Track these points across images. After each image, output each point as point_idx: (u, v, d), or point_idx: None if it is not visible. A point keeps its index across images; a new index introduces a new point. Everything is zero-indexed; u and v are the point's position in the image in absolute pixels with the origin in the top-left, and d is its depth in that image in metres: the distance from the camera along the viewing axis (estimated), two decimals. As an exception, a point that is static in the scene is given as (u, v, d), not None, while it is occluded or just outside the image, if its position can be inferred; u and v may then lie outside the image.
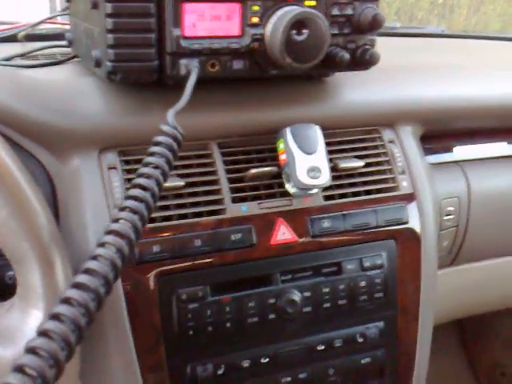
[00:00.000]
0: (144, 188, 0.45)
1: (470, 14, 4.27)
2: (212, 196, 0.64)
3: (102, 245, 0.41)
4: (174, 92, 0.55)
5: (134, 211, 0.43)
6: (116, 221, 0.42)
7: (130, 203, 0.44)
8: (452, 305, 0.91)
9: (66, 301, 0.36)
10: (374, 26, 0.62)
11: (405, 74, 0.78)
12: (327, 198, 0.69)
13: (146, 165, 0.46)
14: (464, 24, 4.24)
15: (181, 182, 0.62)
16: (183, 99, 0.53)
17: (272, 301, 0.65)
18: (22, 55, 0.76)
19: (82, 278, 0.38)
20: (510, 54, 1.14)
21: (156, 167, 0.46)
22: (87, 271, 0.39)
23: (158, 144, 0.48)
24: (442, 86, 0.79)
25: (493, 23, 4.30)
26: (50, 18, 0.81)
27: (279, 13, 0.58)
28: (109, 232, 0.42)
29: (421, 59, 0.90)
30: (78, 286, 0.37)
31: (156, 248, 0.60)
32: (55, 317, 0.35)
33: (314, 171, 0.64)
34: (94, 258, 0.40)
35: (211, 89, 0.64)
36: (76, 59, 0.73)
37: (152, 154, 0.47)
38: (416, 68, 0.81)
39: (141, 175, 0.46)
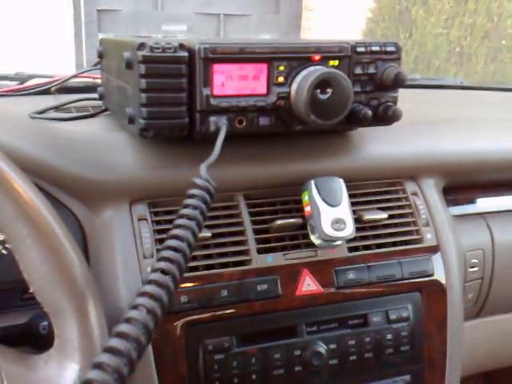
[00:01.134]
0: (181, 239, 0.46)
1: (488, 62, 4.33)
2: (238, 247, 0.65)
3: (135, 307, 0.40)
4: (202, 146, 0.58)
5: (170, 262, 0.44)
6: (155, 271, 0.43)
7: (167, 253, 0.44)
8: (479, 357, 0.89)
9: (99, 366, 0.36)
10: (397, 84, 0.64)
11: (426, 127, 0.80)
12: (352, 249, 0.70)
13: (182, 216, 0.48)
14: (482, 72, 4.28)
15: (208, 233, 0.64)
16: (214, 154, 0.55)
17: (298, 352, 0.65)
18: (55, 108, 0.79)
19: (115, 342, 0.37)
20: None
21: (191, 219, 0.48)
22: (120, 335, 0.38)
23: (192, 196, 0.50)
24: (462, 139, 0.80)
25: (511, 71, 4.34)
26: (83, 73, 0.86)
27: (304, 72, 0.60)
28: (143, 294, 0.42)
29: (441, 112, 0.92)
30: (110, 350, 0.37)
31: (183, 298, 0.61)
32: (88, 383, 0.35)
33: (338, 223, 0.65)
34: (128, 320, 0.39)
35: (238, 143, 0.66)
36: (107, 112, 0.77)
37: (187, 206, 0.49)
38: (437, 121, 0.83)
39: (177, 226, 0.47)
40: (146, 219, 0.63)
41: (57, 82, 0.86)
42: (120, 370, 0.36)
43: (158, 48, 0.56)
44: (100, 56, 0.77)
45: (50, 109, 0.78)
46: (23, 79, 0.96)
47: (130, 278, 0.60)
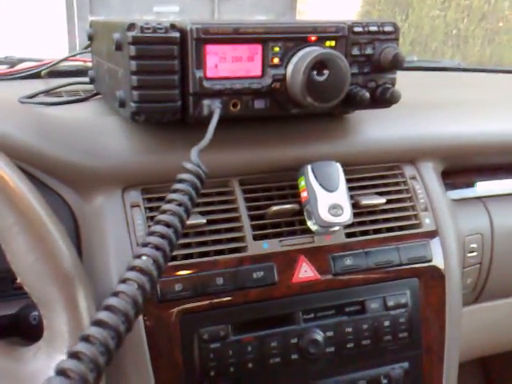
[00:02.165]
0: (167, 224, 0.45)
1: (485, 44, 4.29)
2: (233, 233, 0.64)
3: (123, 281, 0.40)
4: (196, 131, 0.56)
5: (156, 247, 0.43)
6: (138, 257, 0.42)
7: (153, 239, 0.44)
8: (476, 343, 0.89)
9: (86, 339, 0.36)
10: (395, 65, 0.62)
11: (424, 110, 0.78)
12: (349, 235, 0.68)
13: (169, 201, 0.47)
14: (478, 55, 4.25)
15: (202, 220, 0.62)
16: (206, 138, 0.53)
17: (294, 340, 0.64)
18: (45, 92, 0.77)
19: (103, 315, 0.37)
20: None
21: (179, 204, 0.46)
22: (108, 308, 0.38)
23: (181, 181, 0.48)
24: (461, 121, 0.79)
25: (508, 54, 4.31)
26: (73, 56, 0.83)
27: (300, 53, 0.59)
28: (131, 268, 0.42)
29: (439, 94, 0.90)
30: (97, 323, 0.37)
31: (178, 287, 0.60)
32: (74, 355, 0.35)
33: (335, 209, 0.64)
34: (116, 294, 0.39)
35: (233, 127, 0.65)
36: (98, 96, 0.75)
37: (175, 191, 0.47)
38: (435, 103, 0.81)
39: (164, 212, 0.46)
40: (138, 206, 0.61)
41: (46, 66, 0.84)
42: (107, 342, 0.35)
43: (148, 28, 0.54)
44: (90, 38, 0.75)
45: (40, 93, 0.76)
46: (13, 63, 0.94)
47: (123, 266, 0.59)
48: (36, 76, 0.88)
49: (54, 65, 0.85)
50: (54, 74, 0.89)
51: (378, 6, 3.70)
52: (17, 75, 0.87)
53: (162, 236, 0.44)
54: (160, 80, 0.56)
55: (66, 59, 0.84)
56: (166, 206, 0.46)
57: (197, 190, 0.49)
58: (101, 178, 0.60)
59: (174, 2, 3.20)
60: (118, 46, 0.56)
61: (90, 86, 0.77)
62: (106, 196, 0.61)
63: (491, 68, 1.35)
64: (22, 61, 0.93)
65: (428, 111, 0.78)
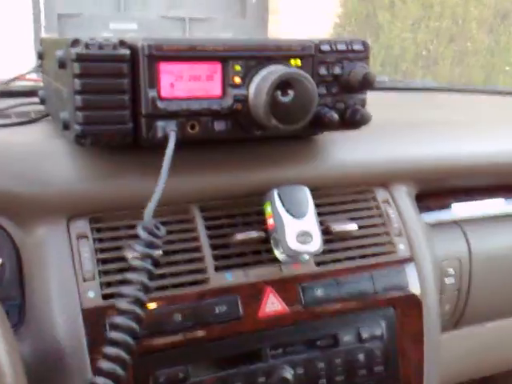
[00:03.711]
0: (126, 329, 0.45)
1: (454, 65, 4.37)
2: (193, 265, 0.59)
3: None
4: (149, 153, 0.52)
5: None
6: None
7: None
8: (456, 368, 0.85)
9: None
10: (365, 85, 0.59)
11: (396, 131, 0.75)
12: (319, 263, 0.64)
13: (121, 295, 0.47)
14: (448, 76, 4.33)
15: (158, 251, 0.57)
16: (159, 184, 0.50)
17: (262, 379, 0.59)
18: None
19: None
20: (499, 108, 1.12)
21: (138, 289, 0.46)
22: None
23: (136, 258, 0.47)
24: (435, 143, 0.76)
25: (476, 74, 4.40)
26: (23, 75, 0.78)
27: (263, 73, 0.55)
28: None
29: (411, 115, 0.88)
30: None
31: None
32: None
33: (304, 236, 0.60)
34: None
35: (192, 149, 0.61)
36: (48, 117, 0.70)
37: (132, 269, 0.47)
38: (407, 124, 0.79)
39: (120, 312, 0.46)
40: (86, 237, 0.56)
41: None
42: None
43: (93, 45, 0.49)
44: (40, 57, 0.70)
45: None
46: (-36, 83, 0.88)
47: (68, 305, 0.53)
48: None
49: (5, 83, 0.79)
50: (6, 94, 0.84)
51: (348, 28, 3.74)
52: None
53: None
54: (108, 100, 0.51)
55: (16, 78, 0.79)
56: (118, 304, 0.46)
57: (155, 261, 0.48)
58: (42, 206, 0.55)
59: (146, 24, 3.17)
60: (61, 64, 0.51)
61: (42, 107, 0.72)
62: (49, 227, 0.55)
63: (463, 87, 1.34)
64: (-27, 80, 0.88)
65: (400, 132, 0.76)
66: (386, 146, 0.72)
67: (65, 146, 0.58)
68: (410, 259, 0.69)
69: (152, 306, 0.56)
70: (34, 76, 0.84)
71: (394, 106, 1.00)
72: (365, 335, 0.65)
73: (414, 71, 4.13)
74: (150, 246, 0.47)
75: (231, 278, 0.60)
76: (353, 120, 0.61)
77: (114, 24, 2.98)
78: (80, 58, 0.49)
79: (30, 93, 0.81)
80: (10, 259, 0.55)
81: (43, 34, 2.96)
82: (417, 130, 0.77)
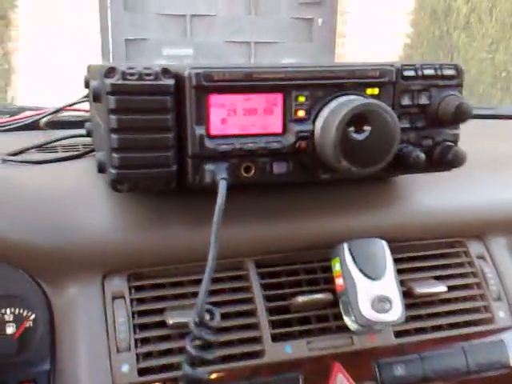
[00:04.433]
0: None
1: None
2: (247, 332, 0.50)
3: None
4: (196, 197, 0.45)
5: None
6: None
7: None
8: None
9: None
10: (458, 118, 0.49)
11: (491, 171, 0.63)
12: (399, 333, 0.54)
13: None
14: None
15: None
16: (211, 254, 0.42)
17: None
18: (38, 147, 0.67)
19: None
20: None
21: None
22: None
23: None
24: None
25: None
26: (72, 105, 0.72)
27: (332, 105, 0.46)
28: None
29: (506, 149, 0.75)
30: None
31: None
32: None
33: (381, 302, 0.50)
34: None
35: (246, 194, 0.52)
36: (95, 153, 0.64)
37: None
38: (503, 161, 0.66)
39: None
40: (123, 297, 0.48)
41: (41, 116, 0.74)
42: None
43: (132, 74, 0.42)
44: (87, 85, 0.64)
45: (28, 149, 0.65)
46: (13, 112, 0.85)
47: (97, 380, 0.45)
48: (35, 127, 0.78)
49: (52, 114, 0.74)
50: (55, 124, 0.79)
51: (420, 50, 3.58)
52: (12, 125, 0.77)
53: None
54: (148, 139, 0.44)
55: (62, 109, 0.73)
56: None
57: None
58: (72, 262, 0.48)
59: (212, 49, 3.16)
60: (96, 97, 0.44)
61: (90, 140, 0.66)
62: (82, 284, 0.48)
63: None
64: (22, 109, 0.84)
65: (495, 171, 0.63)
66: (480, 188, 0.61)
67: (102, 189, 0.51)
68: (511, 329, 0.56)
69: None
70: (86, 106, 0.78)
71: (482, 137, 0.87)
72: None
73: (491, 93, 3.88)
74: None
75: (291, 350, 0.50)
76: (443, 160, 0.51)
77: (167, 49, 2.97)
78: (116, 91, 0.42)
79: (80, 124, 0.75)
80: (42, 317, 0.48)
81: (111, 61, 3.02)
82: None
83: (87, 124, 0.64)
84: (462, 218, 0.58)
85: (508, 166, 0.65)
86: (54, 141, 0.68)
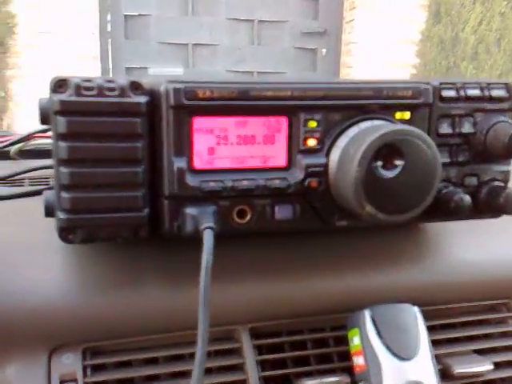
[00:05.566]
0: None
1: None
2: None
3: None
4: (174, 247, 0.36)
5: None
6: None
7: None
8: None
9: None
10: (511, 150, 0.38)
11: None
12: (435, 425, 0.41)
13: None
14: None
15: None
16: (200, 336, 0.31)
17: None
18: (1, 179, 0.59)
19: None
20: None
21: None
22: None
23: None
24: None
25: None
26: (44, 132, 0.62)
27: (352, 132, 0.35)
28: None
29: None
30: None
31: None
32: None
33: (413, 388, 0.38)
34: None
35: (239, 244, 0.42)
36: None
37: None
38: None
39: None
40: (75, 380, 0.36)
41: (7, 143, 0.64)
42: None
43: (89, 88, 0.31)
44: None
45: None
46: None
47: None
48: (3, 156, 0.69)
49: (20, 142, 0.64)
50: (27, 153, 0.70)
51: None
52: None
53: None
54: (110, 174, 0.33)
55: (32, 136, 0.63)
56: None
57: None
58: (12, 334, 0.36)
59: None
60: (43, 118, 0.33)
61: None
62: (21, 364, 0.36)
63: None
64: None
65: None
66: None
67: (55, 237, 0.40)
68: None
69: None
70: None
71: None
72: None
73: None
74: None
75: None
76: (491, 204, 0.40)
77: (154, 69, 2.89)
78: (66, 110, 0.32)
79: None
80: None
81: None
82: None
83: None
84: (509, 276, 0.47)
85: None
86: (20, 173, 0.59)
